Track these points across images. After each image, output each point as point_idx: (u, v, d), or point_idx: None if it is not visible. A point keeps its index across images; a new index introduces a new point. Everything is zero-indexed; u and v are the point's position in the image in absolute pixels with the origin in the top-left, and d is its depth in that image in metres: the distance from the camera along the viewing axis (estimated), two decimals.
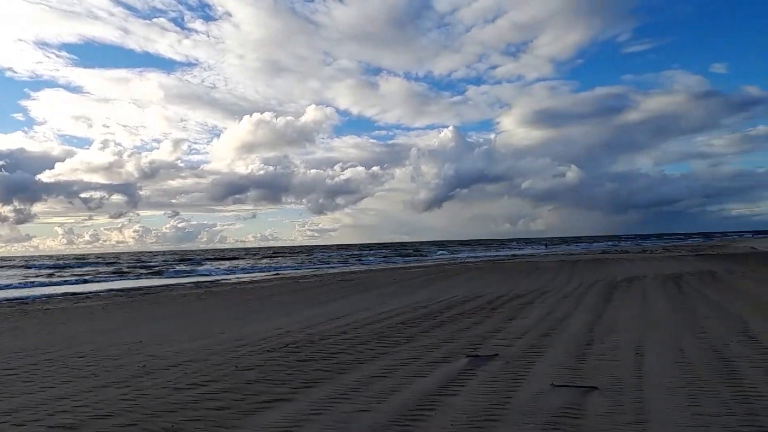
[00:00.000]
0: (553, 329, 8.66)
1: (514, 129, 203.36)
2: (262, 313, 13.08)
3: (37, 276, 42.99)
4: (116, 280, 36.21)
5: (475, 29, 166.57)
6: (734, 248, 45.24)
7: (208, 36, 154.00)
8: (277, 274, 37.45)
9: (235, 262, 60.85)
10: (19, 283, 34.91)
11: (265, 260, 66.28)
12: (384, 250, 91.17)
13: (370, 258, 63.93)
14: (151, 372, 6.88)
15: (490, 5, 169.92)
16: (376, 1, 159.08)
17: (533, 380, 5.57)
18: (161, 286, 27.31)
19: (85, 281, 34.90)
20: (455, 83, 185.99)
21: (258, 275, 36.43)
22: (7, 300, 21.90)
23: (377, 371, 6.31)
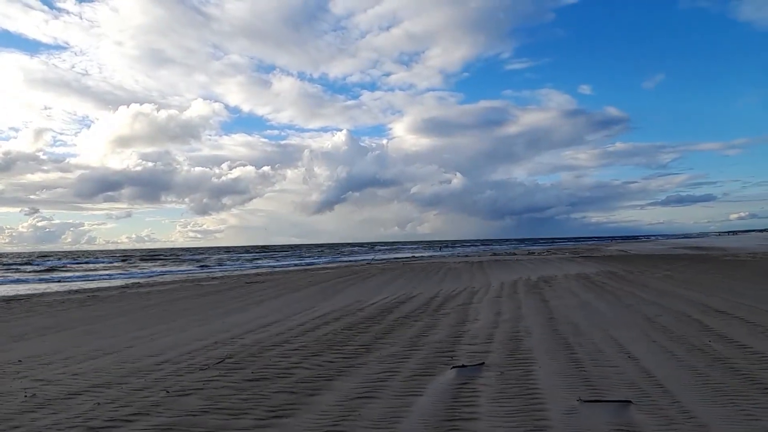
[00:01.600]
0: (518, 331, 8.07)
1: (405, 135, 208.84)
2: (172, 321, 11.21)
3: None
4: None
5: (370, 35, 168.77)
6: (608, 251, 49.43)
7: (81, 18, 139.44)
8: (188, 277, 34.13)
9: (106, 264, 55.25)
10: None
11: (150, 263, 60.92)
12: (273, 253, 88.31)
13: (267, 261, 61.41)
14: (46, 403, 5.15)
15: (386, 13, 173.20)
16: None
17: (550, 395, 4.80)
18: (24, 294, 23.44)
19: None
20: (350, 87, 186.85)
21: (155, 279, 32.93)
22: None
23: (356, 390, 5.19)
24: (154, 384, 5.74)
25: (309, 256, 70.18)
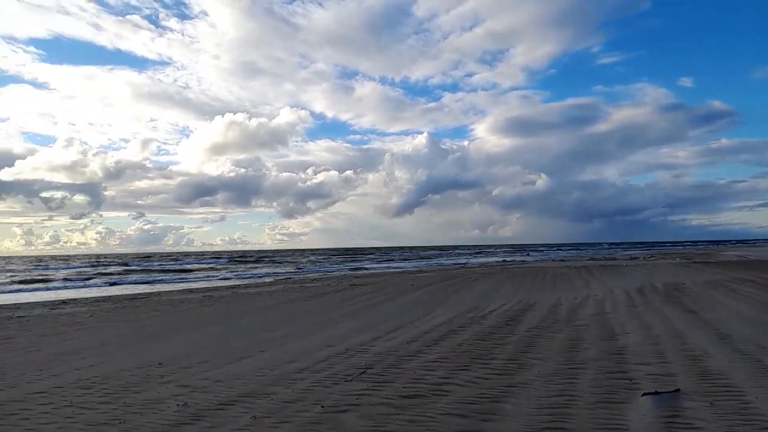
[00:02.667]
0: (691, 350, 6.95)
1: (487, 136, 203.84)
2: (293, 324, 11.07)
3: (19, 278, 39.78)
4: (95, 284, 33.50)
5: (452, 36, 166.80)
6: (725, 256, 44.81)
7: (183, 35, 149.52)
8: (285, 278, 35.21)
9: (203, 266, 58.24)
10: None
11: (249, 264, 63.72)
12: (357, 255, 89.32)
13: (366, 263, 62.12)
14: (200, 414, 4.90)
15: (468, 13, 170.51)
16: (354, 5, 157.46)
17: None
18: (145, 293, 24.89)
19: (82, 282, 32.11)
20: (431, 89, 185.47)
21: (260, 280, 34.12)
22: None
23: (539, 419, 4.47)
24: (304, 396, 5.36)
25: (394, 259, 70.24)
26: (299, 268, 49.90)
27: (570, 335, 8.38)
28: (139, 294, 22.80)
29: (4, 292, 27.72)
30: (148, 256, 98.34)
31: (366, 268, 46.41)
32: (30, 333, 11.11)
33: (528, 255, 77.02)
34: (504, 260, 55.38)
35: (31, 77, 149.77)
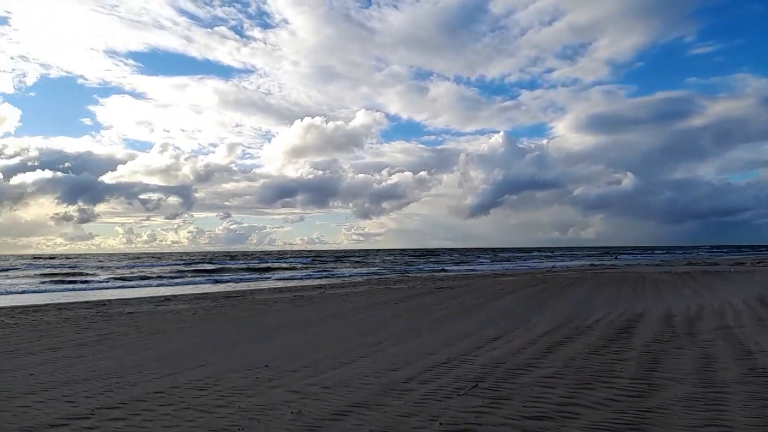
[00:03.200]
0: None
1: (567, 134, 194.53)
2: (387, 328, 10.92)
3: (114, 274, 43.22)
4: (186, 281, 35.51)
5: (531, 32, 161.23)
6: None
7: (265, 43, 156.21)
8: (369, 277, 35.67)
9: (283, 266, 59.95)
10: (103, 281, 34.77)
11: (331, 264, 65.16)
12: (433, 257, 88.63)
13: (447, 264, 61.66)
14: (316, 424, 4.78)
15: (548, 7, 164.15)
16: (429, 6, 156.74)
17: None
18: (238, 291, 25.91)
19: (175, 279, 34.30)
20: (508, 87, 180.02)
21: (347, 279, 34.74)
22: (94, 303, 20.97)
23: None
24: (418, 410, 5.11)
25: (472, 261, 69.04)
26: (380, 269, 50.25)
27: (698, 352, 7.55)
28: (232, 292, 23.79)
29: (112, 288, 30.07)
30: (232, 255, 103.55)
31: (446, 270, 45.87)
32: (140, 330, 11.75)
33: (616, 259, 72.74)
34: (592, 264, 52.69)
35: (131, 88, 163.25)
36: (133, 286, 31.53)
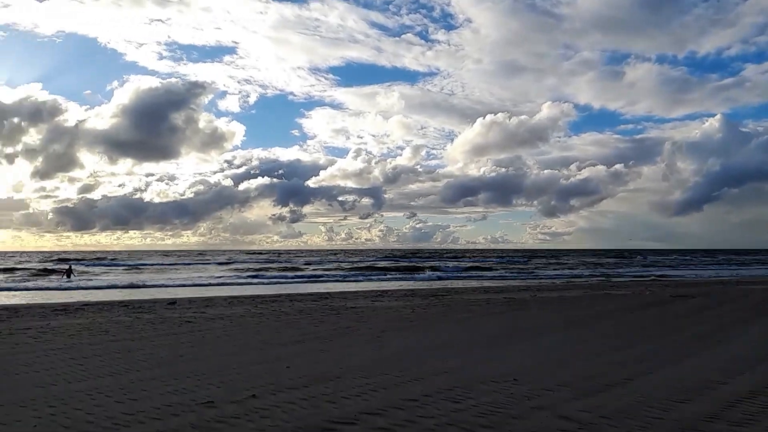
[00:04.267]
0: None
1: None
2: (643, 341, 9.43)
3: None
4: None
5: None
6: None
7: (449, 45, 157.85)
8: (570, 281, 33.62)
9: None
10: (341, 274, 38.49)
11: (521, 265, 62.88)
12: (633, 259, 79.05)
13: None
14: None
15: None
16: None
17: None
18: (444, 289, 26.01)
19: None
20: (726, 63, 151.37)
21: (557, 283, 33.10)
22: (319, 296, 22.79)
23: None
24: None
25: (686, 264, 60.03)
26: (581, 270, 46.52)
27: None
28: (438, 290, 23.92)
29: (328, 281, 33.04)
30: (416, 252, 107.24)
31: (668, 275, 40.28)
32: (369, 326, 12.06)
33: None
34: None
35: (330, 100, 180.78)
36: (350, 280, 34.43)
